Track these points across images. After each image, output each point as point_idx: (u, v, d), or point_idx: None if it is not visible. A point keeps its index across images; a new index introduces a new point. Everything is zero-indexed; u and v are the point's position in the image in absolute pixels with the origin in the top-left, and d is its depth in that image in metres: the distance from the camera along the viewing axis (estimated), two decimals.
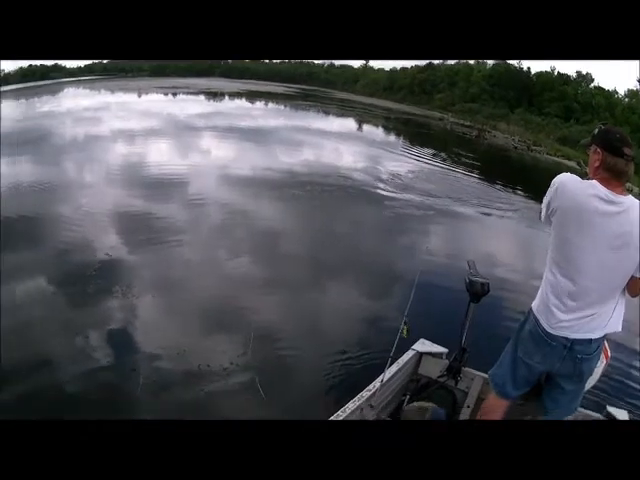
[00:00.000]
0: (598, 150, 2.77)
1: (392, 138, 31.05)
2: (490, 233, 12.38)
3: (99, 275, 6.85)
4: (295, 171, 14.60)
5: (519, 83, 59.45)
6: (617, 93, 59.93)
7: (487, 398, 3.42)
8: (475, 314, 3.91)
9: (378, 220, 10.93)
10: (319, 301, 7.05)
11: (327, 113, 41.25)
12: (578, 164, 36.43)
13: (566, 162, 37.72)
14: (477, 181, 18.36)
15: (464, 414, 3.71)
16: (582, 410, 3.66)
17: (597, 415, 3.89)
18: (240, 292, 6.80)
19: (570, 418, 3.29)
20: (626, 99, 55.71)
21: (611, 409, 3.96)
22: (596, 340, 2.87)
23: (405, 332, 3.52)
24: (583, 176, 2.88)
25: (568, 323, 2.84)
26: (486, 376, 3.53)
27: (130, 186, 11.20)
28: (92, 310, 6.04)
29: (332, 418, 3.20)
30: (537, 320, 2.96)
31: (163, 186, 11.40)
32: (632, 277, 2.77)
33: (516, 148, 39.77)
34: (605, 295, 2.82)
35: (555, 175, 2.82)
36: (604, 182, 2.71)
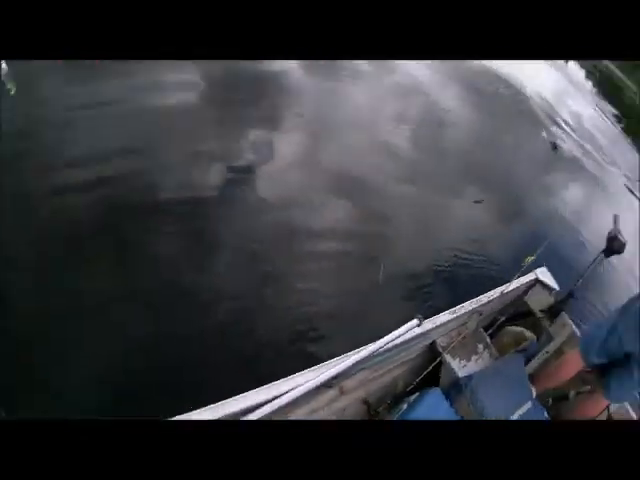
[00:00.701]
0: None
1: None
2: None
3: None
4: None
5: None
6: None
7: (567, 353, 3.44)
8: (601, 268, 3.87)
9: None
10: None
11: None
12: None
13: None
14: None
15: (539, 358, 3.74)
16: None
17: None
18: None
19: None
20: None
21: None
22: None
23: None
24: None
25: None
26: (575, 329, 3.64)
27: None
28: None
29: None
30: None
31: None
32: None
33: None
34: None
35: None
36: None
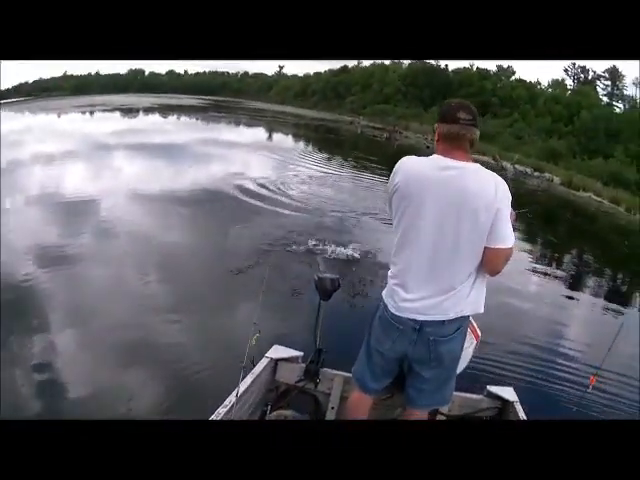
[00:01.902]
0: (436, 125, 2.71)
1: (301, 145, 31.27)
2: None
3: (7, 302, 6.41)
4: (202, 186, 14.50)
5: (436, 81, 59.47)
6: (540, 84, 60.78)
7: (350, 396, 3.33)
8: (326, 312, 3.75)
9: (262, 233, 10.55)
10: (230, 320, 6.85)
11: (238, 123, 41.57)
12: (493, 159, 37.53)
13: (481, 157, 38.81)
14: (380, 183, 18.06)
15: (330, 415, 3.65)
16: (460, 394, 3.65)
17: (478, 396, 3.88)
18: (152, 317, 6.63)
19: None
20: (549, 89, 57.03)
21: (493, 388, 3.93)
22: (451, 322, 2.72)
23: (254, 340, 3.45)
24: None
25: (414, 304, 2.71)
26: (347, 375, 3.46)
27: (42, 211, 10.77)
28: None
29: None
30: (385, 305, 2.83)
31: (74, 210, 10.98)
32: (486, 249, 2.62)
33: (428, 147, 40.32)
34: (455, 273, 2.66)
35: None
36: (445, 152, 2.63)
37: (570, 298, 11.10)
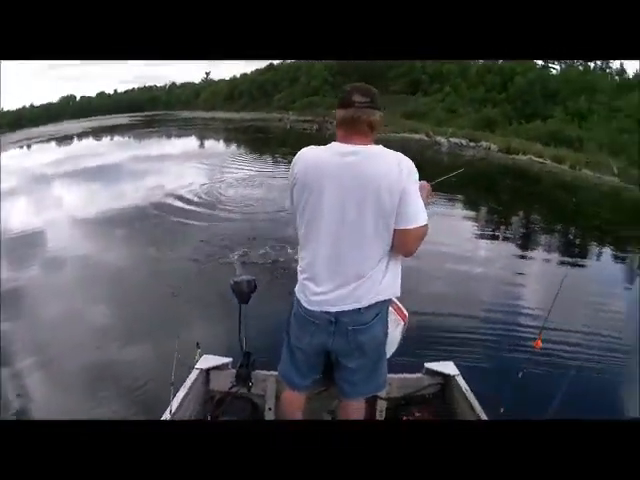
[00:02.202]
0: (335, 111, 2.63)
1: (231, 149, 31.30)
2: None
3: None
4: (136, 205, 14.47)
5: (363, 66, 58.84)
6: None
7: (282, 395, 3.31)
8: (242, 316, 3.67)
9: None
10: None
11: (169, 136, 41.48)
12: (426, 135, 37.82)
13: (414, 135, 39.03)
14: None
15: (269, 416, 3.66)
16: (398, 376, 3.69)
17: (418, 375, 3.88)
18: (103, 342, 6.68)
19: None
20: (481, 60, 57.43)
21: (432, 365, 3.92)
22: (368, 309, 2.65)
23: (198, 355, 3.35)
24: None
25: (326, 296, 2.64)
26: (277, 374, 3.42)
27: None
28: None
29: None
30: (298, 301, 2.78)
31: (17, 246, 10.88)
32: (396, 231, 2.54)
33: None
34: (364, 259, 2.58)
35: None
36: (344, 138, 2.57)
37: (522, 257, 11.39)
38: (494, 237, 12.66)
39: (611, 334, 7.17)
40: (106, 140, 41.55)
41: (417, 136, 38.45)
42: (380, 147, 2.57)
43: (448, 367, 3.89)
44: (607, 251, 12.99)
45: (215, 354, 3.91)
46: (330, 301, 2.63)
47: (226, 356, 3.87)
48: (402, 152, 2.55)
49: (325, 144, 2.62)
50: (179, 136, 40.66)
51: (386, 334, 2.86)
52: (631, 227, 15.39)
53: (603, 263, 11.92)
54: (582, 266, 11.20)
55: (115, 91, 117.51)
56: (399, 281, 2.77)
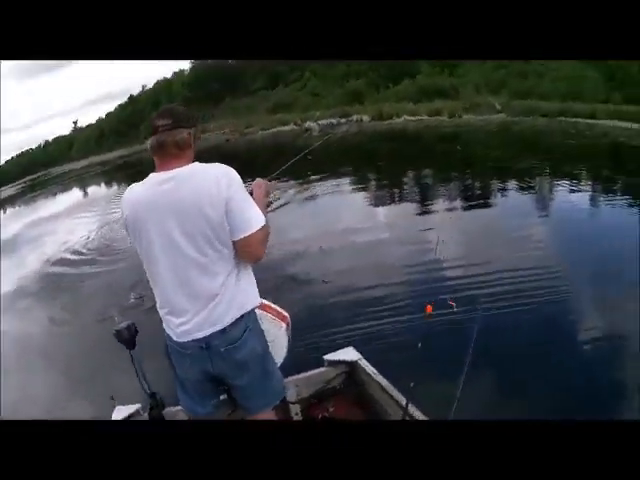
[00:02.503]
0: None
1: (112, 190, 31.02)
2: None
3: None
4: (31, 273, 13.50)
5: (217, 74, 59.04)
6: None
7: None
8: (135, 363, 3.47)
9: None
10: None
11: (54, 194, 39.91)
12: (295, 124, 37.80)
13: (284, 128, 38.99)
14: None
15: None
16: (301, 376, 3.74)
17: (321, 370, 3.89)
18: None
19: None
20: None
21: (331, 355, 3.96)
22: (233, 326, 2.60)
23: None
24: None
25: (188, 326, 2.59)
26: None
27: None
28: None
29: None
30: (168, 336, 2.73)
31: None
32: (235, 242, 2.50)
33: (228, 140, 40.22)
34: (210, 280, 2.53)
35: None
36: (160, 166, 2.52)
37: (423, 214, 11.36)
38: (390, 202, 12.68)
39: (537, 265, 7.27)
40: None
41: (287, 127, 38.37)
42: (196, 165, 2.51)
43: (349, 353, 3.91)
44: (510, 186, 13.17)
45: (131, 400, 3.80)
46: (194, 329, 2.58)
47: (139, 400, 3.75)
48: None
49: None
50: (63, 191, 39.49)
51: (264, 343, 2.83)
52: (527, 157, 15.77)
53: (510, 199, 12.09)
54: (488, 206, 11.30)
55: None
56: (255, 289, 2.74)
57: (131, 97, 76.59)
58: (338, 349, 4.06)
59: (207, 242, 2.45)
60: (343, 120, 35.77)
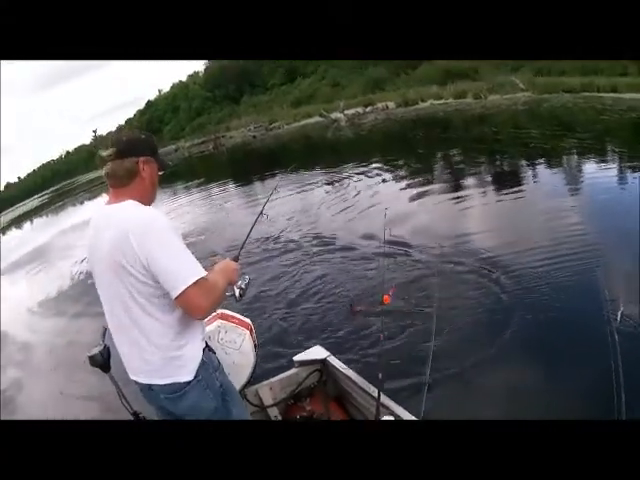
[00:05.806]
0: None
1: None
2: None
3: None
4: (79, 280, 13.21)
5: (234, 73, 59.46)
6: None
7: None
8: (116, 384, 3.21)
9: None
10: None
11: (81, 202, 40.80)
12: (321, 116, 37.56)
13: (309, 121, 38.77)
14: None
15: None
16: (274, 379, 3.79)
17: (292, 371, 3.91)
18: None
19: None
20: None
21: (300, 356, 4.00)
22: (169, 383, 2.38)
23: None
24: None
25: (130, 366, 2.46)
26: None
27: None
28: None
29: None
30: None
31: None
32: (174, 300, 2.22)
33: (255, 137, 40.20)
34: (141, 330, 2.31)
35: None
36: (109, 197, 2.40)
37: (457, 199, 10.87)
38: (428, 192, 12.08)
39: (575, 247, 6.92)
40: (27, 226, 40.09)
41: (312, 120, 38.13)
42: (128, 207, 2.29)
43: (318, 352, 3.99)
44: (545, 166, 12.68)
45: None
46: (136, 371, 2.44)
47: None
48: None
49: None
50: (90, 199, 39.59)
51: (214, 392, 2.50)
52: (566, 135, 15.19)
53: (545, 178, 11.62)
54: (522, 191, 10.76)
55: (19, 178, 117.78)
56: (200, 345, 2.47)
57: (149, 102, 77.41)
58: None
59: (139, 303, 2.25)
60: (368, 109, 35.11)
